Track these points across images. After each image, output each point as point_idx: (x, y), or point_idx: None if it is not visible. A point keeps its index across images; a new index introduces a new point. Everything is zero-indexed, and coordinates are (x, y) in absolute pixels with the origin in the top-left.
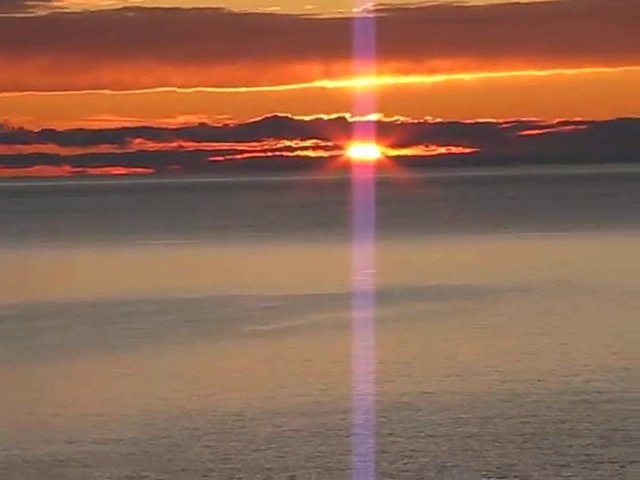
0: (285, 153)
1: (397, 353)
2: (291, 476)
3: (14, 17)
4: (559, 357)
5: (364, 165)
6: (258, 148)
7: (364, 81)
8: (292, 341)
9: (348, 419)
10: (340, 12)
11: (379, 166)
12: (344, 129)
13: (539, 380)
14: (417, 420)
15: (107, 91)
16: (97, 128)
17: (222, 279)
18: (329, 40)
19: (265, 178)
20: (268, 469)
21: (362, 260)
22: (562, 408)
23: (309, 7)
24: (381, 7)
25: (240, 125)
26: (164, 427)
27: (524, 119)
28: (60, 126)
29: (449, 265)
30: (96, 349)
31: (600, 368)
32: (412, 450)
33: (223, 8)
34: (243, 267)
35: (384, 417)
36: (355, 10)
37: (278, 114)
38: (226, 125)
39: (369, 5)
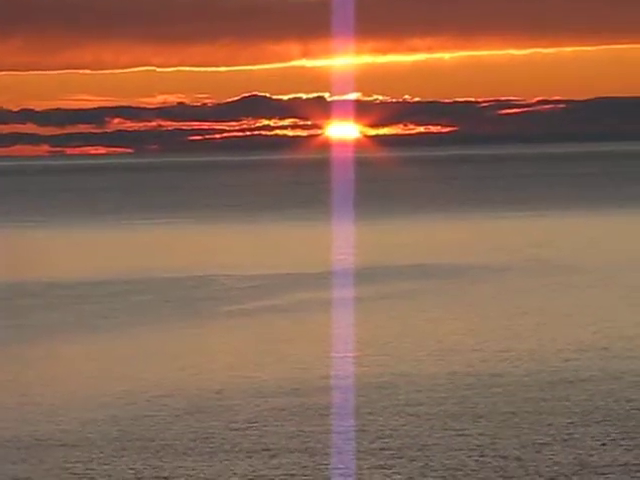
0: (264, 132)
1: (377, 332)
2: (271, 455)
3: None
4: (539, 336)
5: (343, 144)
6: (237, 127)
7: (343, 60)
8: (272, 320)
9: (328, 398)
10: None
11: (358, 145)
12: (323, 108)
13: (519, 359)
14: (397, 399)
15: (86, 71)
16: (76, 108)
17: (202, 259)
18: (308, 19)
19: (244, 157)
20: (248, 449)
21: (342, 239)
22: (542, 387)
23: None
24: None
25: (219, 104)
26: (144, 406)
27: (503, 98)
28: (39, 106)
29: (429, 244)
30: (77, 329)
31: (579, 347)
32: (392, 429)
33: None
34: (223, 246)
35: (364, 396)
36: None
37: (257, 93)
38: (205, 104)
39: None
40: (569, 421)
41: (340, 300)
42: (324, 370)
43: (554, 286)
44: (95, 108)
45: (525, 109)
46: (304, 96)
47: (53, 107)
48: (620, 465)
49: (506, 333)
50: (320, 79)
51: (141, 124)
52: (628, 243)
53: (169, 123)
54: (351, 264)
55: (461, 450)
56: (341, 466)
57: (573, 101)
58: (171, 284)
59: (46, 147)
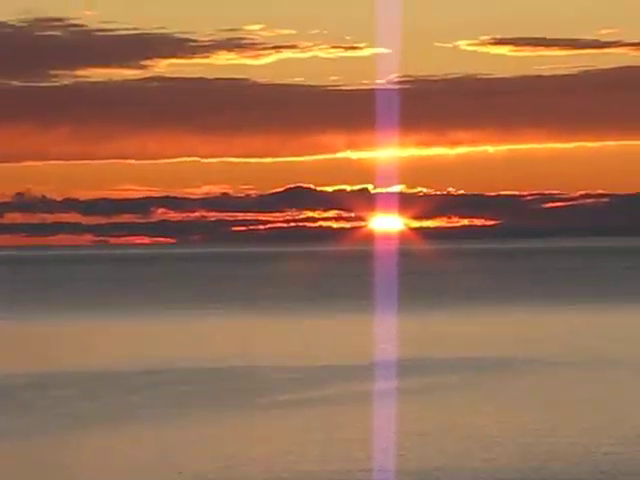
0: (308, 224)
1: (418, 425)
2: None
3: (39, 86)
4: (581, 430)
5: (387, 236)
6: (280, 219)
7: (387, 152)
8: (314, 412)
9: None
10: (364, 83)
11: (402, 237)
12: (366, 200)
13: (561, 453)
14: None
15: (131, 160)
16: (120, 197)
17: (245, 349)
18: (353, 111)
19: (288, 249)
20: None
21: (385, 331)
22: None
23: (334, 78)
24: (405, 79)
25: (262, 195)
26: None
27: (547, 192)
28: (83, 195)
29: (472, 337)
30: (119, 419)
31: (621, 441)
32: None
33: (248, 79)
34: (266, 337)
35: None
36: (379, 81)
37: (301, 185)
38: (248, 195)
39: (393, 76)
40: None
41: (382, 392)
42: (366, 463)
43: (598, 379)
44: (139, 198)
45: (568, 203)
46: (348, 188)
47: (97, 197)
48: None
49: (548, 426)
50: (364, 171)
51: (184, 214)
52: None
53: (212, 214)
54: (393, 356)
55: None
56: None
57: (616, 195)
58: (213, 374)
59: (90, 236)
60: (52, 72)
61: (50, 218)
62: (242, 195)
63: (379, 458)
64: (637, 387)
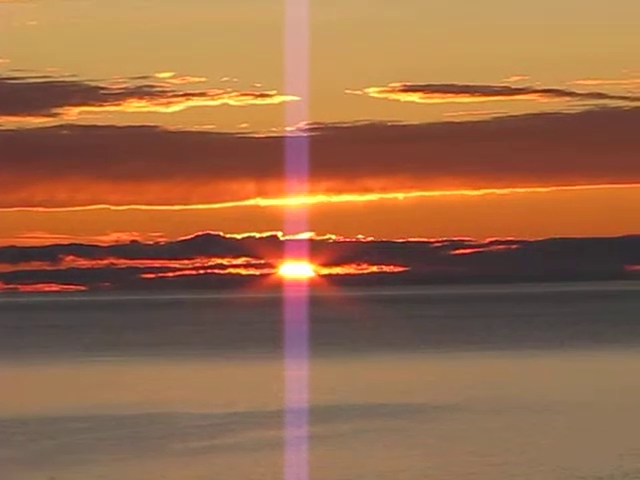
0: (217, 271)
1: (332, 471)
2: None
3: None
4: (498, 477)
5: (296, 283)
6: (190, 266)
7: (297, 200)
8: (226, 458)
9: None
10: (274, 130)
11: (311, 284)
12: (276, 247)
13: None
14: None
15: (40, 208)
16: (28, 245)
17: (155, 396)
18: (263, 158)
19: (197, 296)
20: None
21: (295, 378)
22: None
23: (244, 125)
24: (314, 126)
25: (172, 242)
26: None
27: (456, 238)
28: None
29: (382, 384)
30: (26, 466)
31: None
32: None
33: (158, 126)
34: (176, 384)
35: None
36: (289, 129)
37: (210, 232)
38: (157, 243)
39: (302, 124)
40: None
41: (293, 438)
42: None
43: (509, 425)
44: (48, 246)
45: (477, 249)
46: (257, 235)
47: (5, 244)
48: None
49: (464, 473)
50: (274, 218)
51: (94, 262)
52: (587, 380)
53: (122, 261)
54: (304, 403)
55: None
56: None
57: (526, 241)
58: (124, 421)
59: None
60: None
61: None
62: (151, 242)
63: None
64: (553, 432)
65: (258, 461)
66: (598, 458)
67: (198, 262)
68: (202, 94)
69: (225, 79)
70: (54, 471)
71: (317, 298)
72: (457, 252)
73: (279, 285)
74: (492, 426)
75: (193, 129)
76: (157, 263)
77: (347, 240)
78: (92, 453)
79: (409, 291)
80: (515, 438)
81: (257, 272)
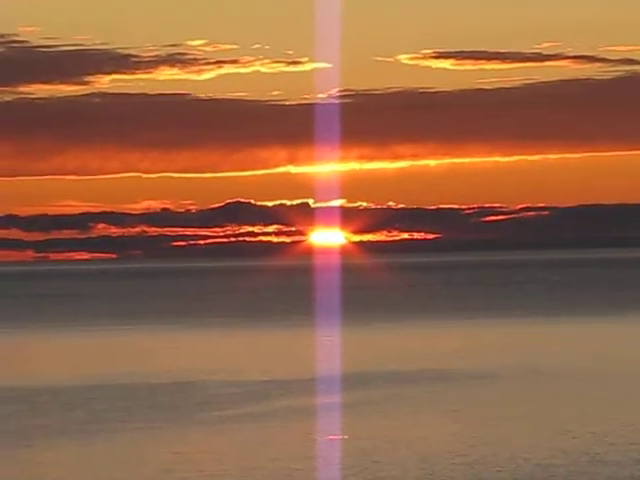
0: (248, 238)
1: (363, 438)
2: None
3: None
4: (523, 442)
5: (327, 251)
6: (221, 233)
7: (328, 167)
8: (259, 426)
9: None
10: (306, 98)
11: (342, 252)
12: (307, 215)
13: (504, 465)
14: None
15: (72, 177)
16: (60, 213)
17: (187, 364)
18: (294, 126)
19: (228, 263)
20: None
21: (326, 345)
22: None
23: (275, 93)
24: (346, 93)
25: (203, 210)
26: None
27: (487, 205)
28: (23, 212)
29: (413, 350)
30: (58, 435)
31: (563, 453)
32: None
33: (190, 94)
34: (208, 352)
35: None
36: (320, 96)
37: (241, 200)
38: (189, 210)
39: (334, 91)
40: None
41: (325, 406)
42: (309, 476)
43: (541, 392)
44: (79, 214)
45: (509, 216)
46: (288, 202)
47: (38, 213)
48: None
49: (493, 439)
50: (305, 186)
51: (125, 230)
52: (616, 349)
53: (153, 229)
54: (336, 370)
55: None
56: None
57: (557, 208)
58: (156, 390)
59: (30, 252)
60: None
61: None
62: (182, 210)
63: (324, 472)
64: (573, 400)
65: (291, 428)
66: (629, 424)
67: (229, 230)
68: (234, 61)
69: (257, 46)
70: (87, 439)
71: (348, 265)
72: (488, 219)
73: (310, 253)
74: (522, 392)
75: (225, 97)
76: (188, 231)
77: (378, 207)
78: (124, 421)
79: (440, 258)
80: (545, 405)
81: (288, 240)
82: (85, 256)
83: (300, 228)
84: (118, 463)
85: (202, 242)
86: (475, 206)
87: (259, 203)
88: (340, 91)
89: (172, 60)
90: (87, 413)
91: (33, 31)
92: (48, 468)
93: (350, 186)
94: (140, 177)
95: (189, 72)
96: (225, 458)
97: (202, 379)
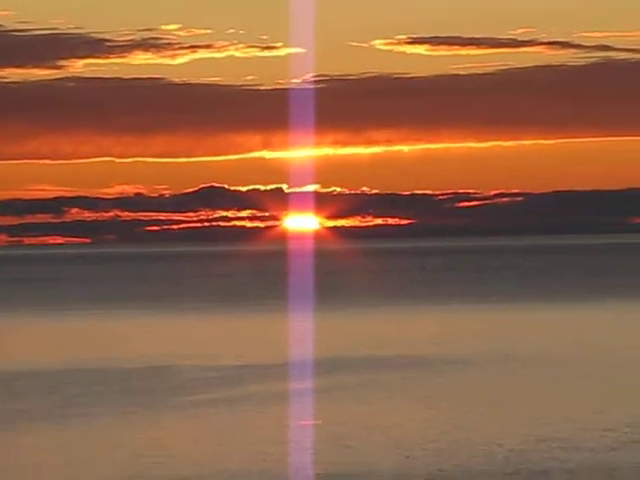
0: (221, 223)
1: (334, 424)
2: None
3: None
4: (495, 429)
5: (301, 236)
6: (194, 218)
7: (302, 152)
8: (233, 411)
9: None
10: (280, 83)
11: (316, 237)
12: (281, 200)
13: (477, 451)
14: None
15: (46, 161)
16: (33, 197)
17: (160, 349)
18: (268, 111)
19: (202, 248)
20: None
21: (299, 330)
22: (500, 479)
23: (249, 77)
24: (320, 78)
25: (176, 195)
26: None
27: (461, 191)
28: None
29: (387, 336)
30: (33, 419)
31: (536, 439)
32: None
33: (164, 78)
34: (181, 337)
35: None
36: (294, 81)
37: (215, 184)
38: (162, 195)
39: (308, 76)
40: None
41: (297, 392)
42: (282, 461)
43: (512, 378)
44: (53, 198)
45: (483, 202)
46: (262, 187)
47: (11, 197)
48: None
49: (464, 424)
50: (279, 171)
51: (98, 214)
52: (590, 336)
53: (126, 214)
54: (309, 355)
55: None
56: None
57: (531, 194)
58: (129, 374)
59: (4, 237)
60: None
61: None
62: (156, 195)
63: (295, 459)
64: (548, 386)
65: (265, 413)
66: (603, 410)
67: (203, 215)
68: (208, 46)
69: (231, 31)
70: (62, 424)
71: (322, 251)
72: (462, 204)
73: (284, 238)
74: (496, 379)
75: (199, 81)
76: (162, 216)
77: (352, 192)
78: (98, 406)
79: (414, 243)
80: (519, 391)
81: (262, 225)
82: (59, 240)
83: (274, 213)
84: (92, 447)
85: (176, 227)
86: (449, 192)
87: (233, 188)
88: (314, 76)
89: (146, 45)
90: (62, 397)
91: (7, 15)
92: (22, 452)
93: (324, 171)
94: (114, 162)
95: (163, 57)
96: (199, 443)
97: (176, 364)
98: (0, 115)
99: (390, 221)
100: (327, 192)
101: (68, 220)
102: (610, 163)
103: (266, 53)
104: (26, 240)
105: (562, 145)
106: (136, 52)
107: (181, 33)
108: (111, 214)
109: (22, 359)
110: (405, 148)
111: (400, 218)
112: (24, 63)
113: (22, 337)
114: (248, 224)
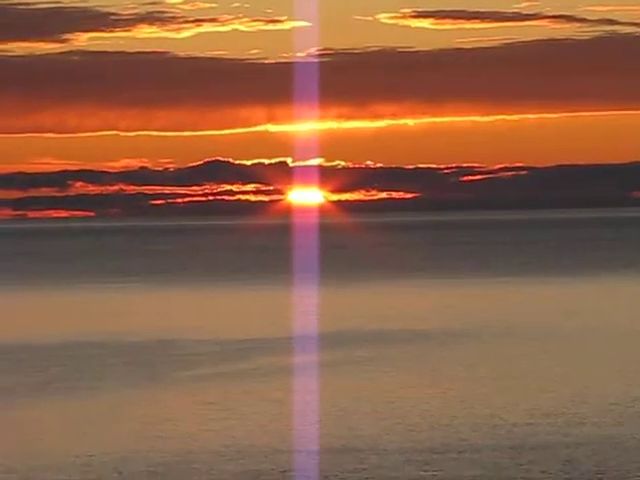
0: (226, 197)
1: (339, 398)
2: None
3: None
4: (499, 402)
5: (305, 209)
6: (199, 192)
7: (306, 126)
8: (237, 385)
9: (290, 461)
10: (285, 56)
11: (320, 211)
12: (285, 173)
13: (480, 424)
14: (361, 464)
15: (50, 134)
16: (37, 171)
17: (163, 323)
18: (273, 84)
19: (206, 222)
20: None
21: (304, 304)
22: (501, 452)
23: (254, 51)
24: (325, 52)
25: (181, 169)
26: (101, 472)
27: (465, 165)
28: (0, 169)
29: (392, 310)
30: (36, 392)
31: (540, 413)
32: None
33: (168, 52)
34: (184, 311)
35: (325, 460)
36: (299, 55)
37: (219, 158)
38: (167, 169)
39: (313, 50)
40: None
41: (302, 365)
42: (286, 435)
43: (517, 351)
44: (57, 172)
45: (487, 176)
46: (267, 161)
47: (15, 170)
48: None
49: (468, 398)
50: (283, 144)
51: (103, 188)
52: (591, 309)
53: (131, 187)
54: (313, 329)
55: None
56: None
57: (535, 168)
58: (133, 348)
59: (8, 210)
60: None
61: None
62: (160, 169)
63: (300, 433)
64: (552, 359)
65: (269, 387)
66: (608, 384)
67: (207, 188)
68: (213, 20)
69: (236, 5)
70: (66, 397)
71: (326, 224)
72: (466, 178)
73: (288, 211)
74: (500, 352)
75: (203, 55)
76: (166, 189)
77: (356, 166)
78: (101, 380)
79: (418, 217)
80: (523, 365)
81: (266, 198)
82: (63, 214)
83: (278, 187)
84: (97, 421)
85: (180, 200)
86: (453, 166)
87: (237, 162)
88: (319, 50)
89: (151, 18)
90: (64, 371)
91: None
92: (24, 426)
93: (328, 145)
94: (118, 135)
95: (168, 30)
96: (203, 417)
97: (181, 337)
98: (4, 89)
99: (394, 195)
100: (331, 166)
101: (72, 194)
102: (614, 137)
103: (271, 27)
104: (30, 214)
105: (566, 119)
106: (141, 26)
107: (186, 7)
108: (115, 188)
109: (26, 332)
110: (410, 122)
111: (404, 192)
112: (29, 37)
113: (27, 310)
114: (252, 198)
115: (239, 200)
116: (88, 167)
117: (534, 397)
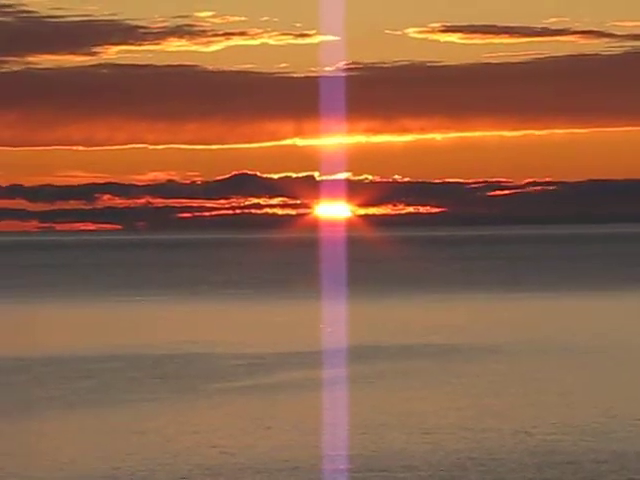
0: (253, 211)
1: (367, 411)
2: None
3: None
4: (527, 416)
5: (332, 224)
6: (226, 205)
7: (334, 140)
8: (262, 399)
9: (318, 476)
10: (313, 70)
11: (347, 224)
12: (312, 187)
13: (508, 439)
14: (387, 478)
15: (78, 147)
16: (65, 184)
17: (190, 336)
18: (301, 98)
19: (233, 235)
20: None
21: (332, 318)
22: (529, 467)
23: (283, 65)
24: (353, 66)
25: (208, 182)
26: None
27: (493, 179)
28: (28, 182)
29: (418, 324)
30: (64, 405)
31: (570, 429)
32: None
33: (197, 65)
34: (211, 324)
35: (354, 475)
36: (327, 69)
37: (246, 172)
38: (194, 182)
39: (341, 64)
40: None
41: (329, 379)
42: (314, 449)
43: (541, 367)
44: (85, 184)
45: (515, 190)
46: (294, 175)
47: (43, 183)
48: None
49: (495, 412)
50: (311, 158)
51: (130, 201)
52: (621, 324)
53: (158, 200)
54: (341, 343)
55: None
56: None
57: (564, 183)
58: (161, 361)
59: (35, 222)
60: (1, 58)
61: None
62: (188, 182)
63: (328, 444)
64: (579, 374)
65: (297, 401)
66: (635, 400)
67: (234, 202)
68: (242, 33)
69: (265, 18)
70: (90, 410)
71: (353, 239)
72: (494, 193)
73: (315, 225)
74: (528, 367)
75: (232, 68)
76: (193, 203)
77: (384, 180)
78: (128, 392)
79: (445, 232)
80: (550, 379)
81: (293, 212)
82: (90, 227)
83: (305, 201)
84: (124, 433)
85: (207, 214)
86: (481, 180)
87: (265, 175)
88: (347, 64)
89: (180, 31)
90: (92, 384)
91: (42, 1)
92: (51, 439)
93: (356, 159)
94: (146, 148)
95: (197, 44)
96: (230, 430)
97: (208, 351)
98: (34, 101)
99: (421, 209)
100: (359, 180)
101: (100, 207)
102: None
103: (299, 41)
104: (57, 226)
105: (595, 134)
106: (170, 39)
107: (215, 20)
108: (143, 201)
109: (53, 345)
110: (438, 136)
111: (431, 207)
112: (58, 49)
113: (53, 323)
114: (279, 212)
115: (266, 214)
116: (116, 180)
117: (561, 412)
